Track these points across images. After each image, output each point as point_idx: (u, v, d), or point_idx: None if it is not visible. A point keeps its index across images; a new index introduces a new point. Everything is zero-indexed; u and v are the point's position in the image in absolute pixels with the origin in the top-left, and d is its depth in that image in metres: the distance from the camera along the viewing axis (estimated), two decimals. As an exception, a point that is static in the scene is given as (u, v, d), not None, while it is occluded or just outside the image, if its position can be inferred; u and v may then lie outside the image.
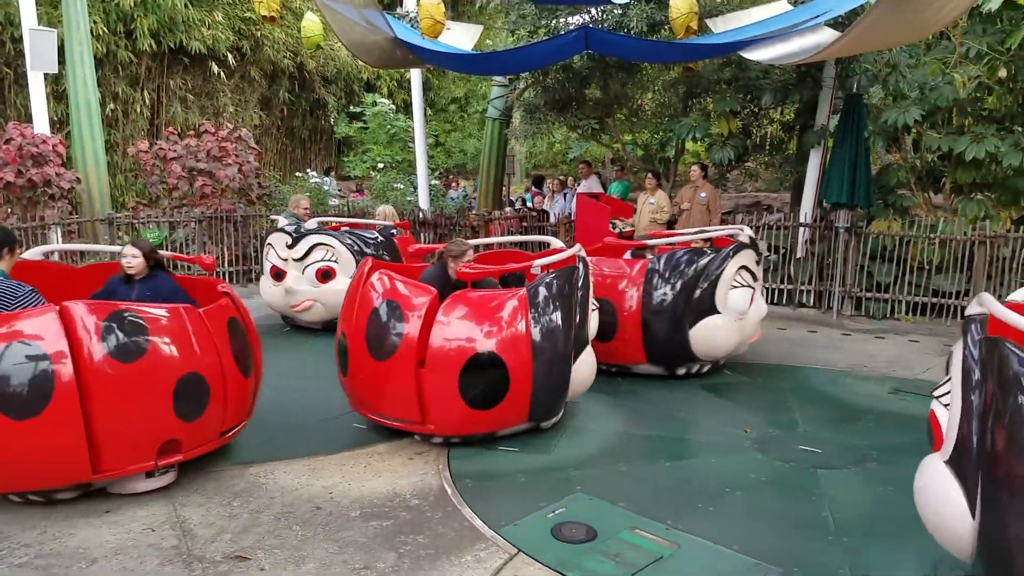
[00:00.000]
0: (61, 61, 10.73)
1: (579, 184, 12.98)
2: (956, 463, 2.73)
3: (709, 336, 5.97)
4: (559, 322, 4.68)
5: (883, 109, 9.27)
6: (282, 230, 8.03)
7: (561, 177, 15.14)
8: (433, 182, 14.39)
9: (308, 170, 16.06)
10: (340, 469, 4.40)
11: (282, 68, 16.62)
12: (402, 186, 14.28)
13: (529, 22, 10.66)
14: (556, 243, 5.58)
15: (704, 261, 5.95)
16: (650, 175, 10.22)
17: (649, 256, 6.33)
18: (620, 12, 9.71)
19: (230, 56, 15.18)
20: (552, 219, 12.10)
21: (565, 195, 12.98)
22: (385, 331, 4.50)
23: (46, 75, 10.53)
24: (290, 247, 7.88)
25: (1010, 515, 2.40)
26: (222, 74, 15.37)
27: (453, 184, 16.93)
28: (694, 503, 4.00)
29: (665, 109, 12.08)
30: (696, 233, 6.82)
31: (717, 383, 6.29)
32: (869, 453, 4.68)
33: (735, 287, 5.96)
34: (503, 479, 4.31)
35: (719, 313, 5.93)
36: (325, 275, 7.70)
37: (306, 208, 8.68)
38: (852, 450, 4.75)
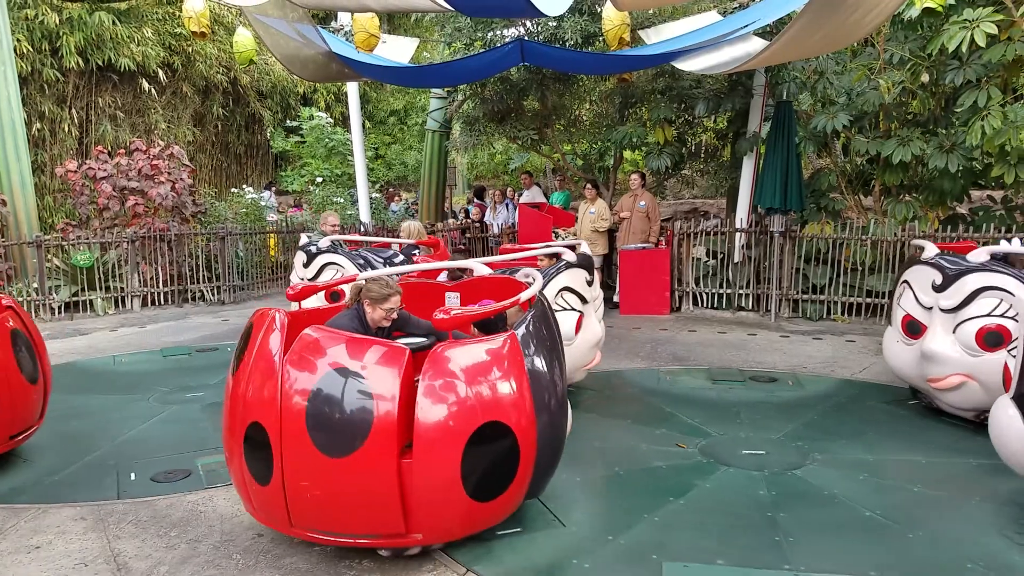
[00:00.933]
0: (-18, 80, 10.36)
1: (520, 195, 13.05)
2: (1019, 400, 3.62)
3: None
4: (551, 364, 3.71)
5: (812, 115, 9.55)
6: (302, 248, 7.49)
7: (502, 188, 15.20)
8: (374, 195, 14.29)
9: (244, 186, 15.78)
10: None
11: (215, 83, 16.31)
12: (342, 200, 14.13)
13: (465, 35, 10.70)
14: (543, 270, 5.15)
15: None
16: (589, 185, 10.35)
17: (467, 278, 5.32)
18: (555, 24, 9.82)
19: (161, 72, 14.83)
20: (495, 230, 12.12)
21: (507, 205, 13.03)
22: (342, 412, 3.18)
23: (-34, 95, 10.16)
24: (305, 266, 7.34)
25: None
26: (153, 91, 15.01)
27: (395, 197, 16.83)
28: (639, 515, 4.02)
29: (602, 119, 12.24)
30: (543, 248, 6.18)
31: (664, 389, 6.36)
32: (809, 453, 4.78)
33: (556, 311, 4.85)
34: None
35: None
36: (334, 296, 6.45)
37: (334, 225, 8.07)
38: (795, 451, 4.84)
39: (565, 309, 5.39)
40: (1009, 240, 6.14)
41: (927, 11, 7.13)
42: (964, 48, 7.22)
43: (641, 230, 9.83)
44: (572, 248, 5.94)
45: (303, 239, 7.67)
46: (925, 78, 8.36)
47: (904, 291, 5.51)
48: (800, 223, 9.78)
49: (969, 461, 4.62)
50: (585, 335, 5.58)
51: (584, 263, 5.74)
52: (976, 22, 7.14)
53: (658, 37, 9.19)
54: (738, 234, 9.79)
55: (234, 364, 3.55)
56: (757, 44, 7.77)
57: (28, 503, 4.22)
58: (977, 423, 5.13)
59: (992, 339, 4.84)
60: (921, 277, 5.31)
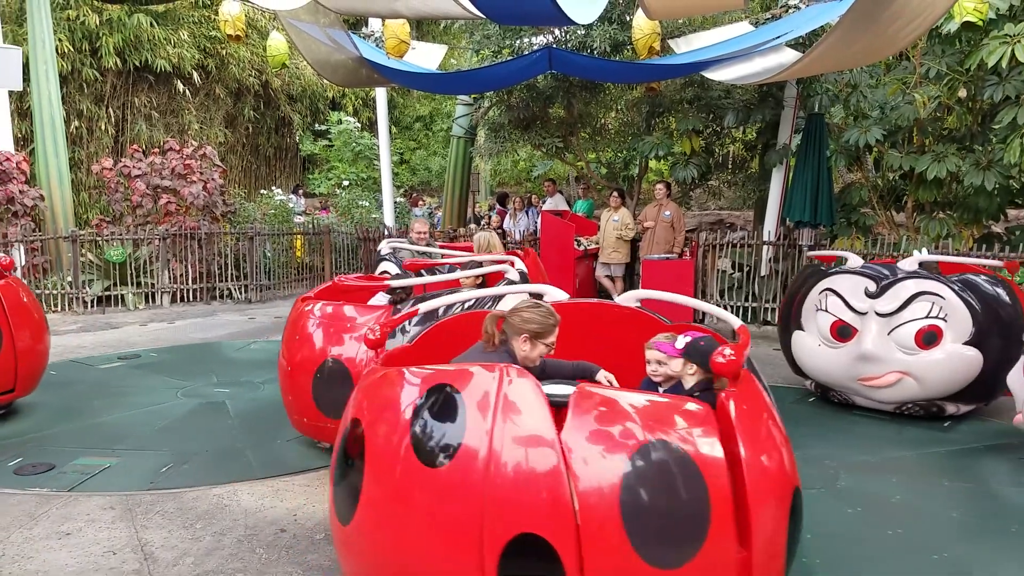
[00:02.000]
0: (26, 79, 10.62)
1: (544, 202, 13.07)
2: None
3: None
4: None
5: (844, 128, 9.48)
6: (384, 258, 6.90)
7: (524, 195, 15.23)
8: (398, 199, 14.40)
9: (273, 187, 15.96)
10: (304, 491, 4.34)
11: (247, 86, 16.54)
12: (367, 203, 14.25)
13: (493, 42, 10.76)
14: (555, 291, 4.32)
15: (467, 305, 4.35)
16: (615, 193, 10.35)
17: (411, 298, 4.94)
18: (583, 32, 9.85)
19: (195, 74, 15.08)
20: (517, 236, 12.15)
21: (528, 213, 13.05)
22: (673, 503, 2.20)
23: (10, 92, 10.42)
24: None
25: None
26: (187, 92, 15.26)
27: (419, 202, 16.94)
28: None
29: (628, 128, 12.24)
30: (468, 263, 5.71)
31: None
32: (837, 472, 4.74)
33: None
34: None
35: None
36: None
37: (419, 233, 7.35)
38: (820, 470, 4.80)
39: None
40: (919, 251, 6.49)
41: (966, 25, 7.06)
42: (1004, 64, 7.13)
43: (665, 240, 9.81)
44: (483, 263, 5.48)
45: (383, 248, 6.91)
46: (962, 93, 8.26)
47: (827, 298, 5.77)
48: (830, 238, 9.70)
49: (924, 451, 4.61)
50: None
51: (525, 281, 5.09)
52: (1017, 37, 7.06)
53: (688, 47, 9.18)
54: (765, 247, 9.72)
55: (432, 450, 2.34)
56: (790, 55, 7.74)
57: (59, 490, 4.30)
58: (895, 414, 5.69)
59: (929, 338, 5.30)
60: (849, 285, 5.64)
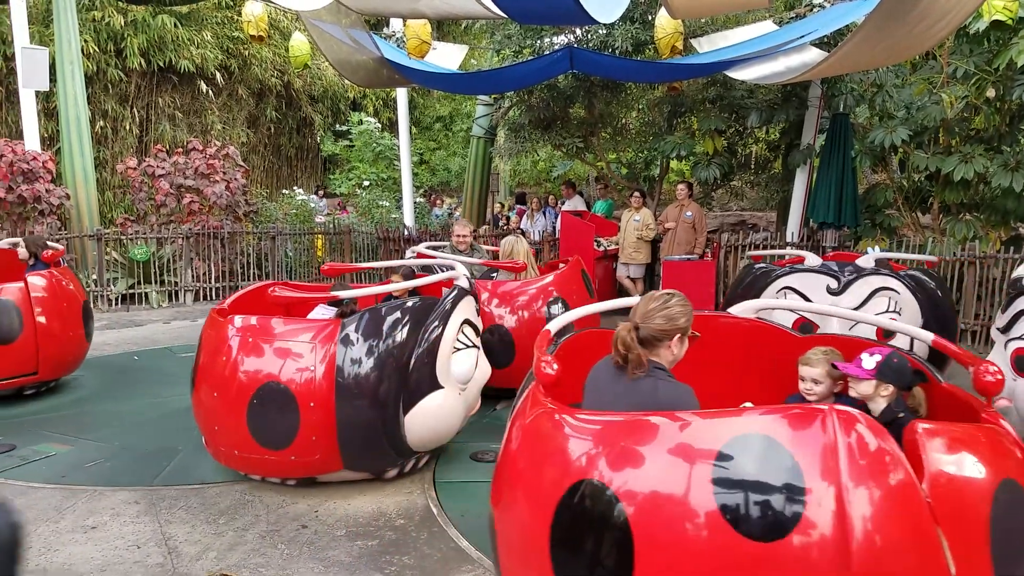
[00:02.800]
0: (52, 79, 10.74)
1: (561, 204, 13.04)
2: None
3: (431, 422, 4.21)
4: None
5: (869, 129, 9.37)
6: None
7: (541, 196, 15.21)
8: (418, 200, 14.43)
9: (295, 187, 16.05)
10: (325, 487, 4.35)
11: (269, 87, 16.66)
12: (387, 203, 14.29)
13: (514, 42, 10.75)
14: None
15: (417, 317, 4.19)
16: (636, 193, 10.29)
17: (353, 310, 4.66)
18: (605, 32, 9.82)
19: (218, 75, 15.20)
20: (535, 237, 12.13)
21: (545, 213, 13.03)
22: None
23: (37, 92, 10.55)
24: None
25: None
26: (210, 92, 15.39)
27: (438, 202, 16.97)
28: None
29: (650, 128, 12.18)
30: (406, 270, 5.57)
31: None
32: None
33: (458, 349, 4.36)
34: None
35: (441, 388, 4.21)
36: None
37: (460, 237, 6.77)
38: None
39: (466, 347, 4.42)
40: (872, 248, 6.73)
41: (995, 24, 6.95)
42: (1033, 63, 7.02)
43: (686, 241, 9.74)
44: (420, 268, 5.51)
45: (408, 255, 6.70)
46: (991, 93, 8.13)
47: (787, 296, 5.81)
48: (854, 239, 9.59)
49: None
50: (479, 375, 4.62)
51: (473, 290, 4.73)
52: (1046, 36, 6.95)
53: (711, 46, 9.12)
54: (788, 248, 9.64)
55: (759, 520, 1.90)
56: (814, 55, 7.66)
57: (85, 484, 4.35)
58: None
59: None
60: (809, 283, 5.69)
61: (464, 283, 4.60)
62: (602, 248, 10.40)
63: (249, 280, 11.58)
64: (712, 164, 10.22)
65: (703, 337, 3.12)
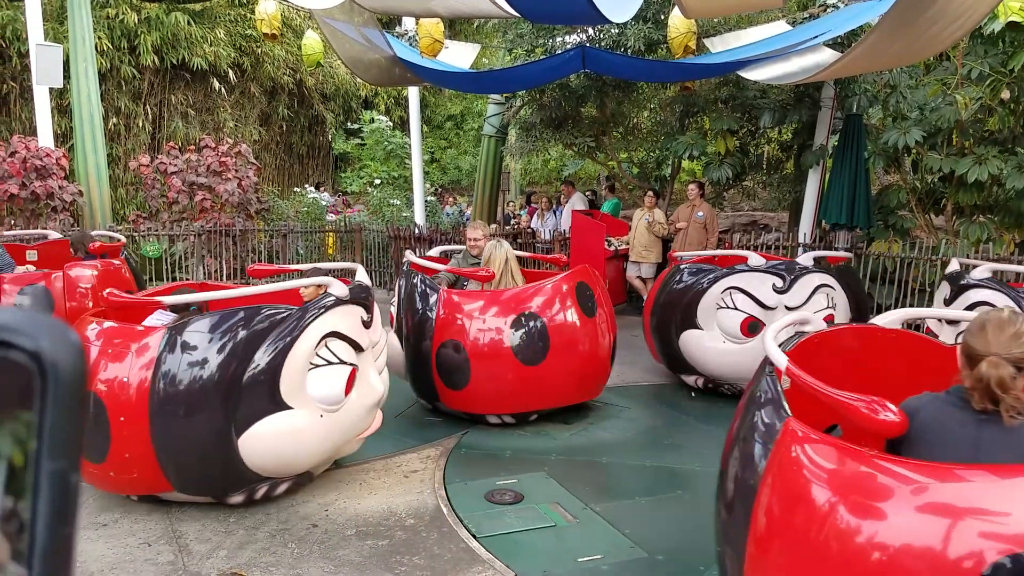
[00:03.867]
0: (66, 76, 10.80)
1: (557, 205, 13.03)
2: None
3: (277, 445, 3.80)
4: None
5: (883, 130, 9.31)
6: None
7: (549, 195, 15.18)
8: (429, 198, 14.43)
9: (307, 185, 16.10)
10: (336, 486, 4.37)
11: (282, 85, 16.70)
12: (398, 202, 14.31)
13: (527, 41, 10.73)
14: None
15: (257, 327, 3.76)
16: (650, 193, 10.27)
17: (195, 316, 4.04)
18: (617, 31, 9.79)
19: (231, 72, 15.25)
20: (546, 236, 12.11)
21: (556, 213, 13.03)
22: None
23: (51, 89, 10.60)
24: None
25: None
26: (223, 90, 15.44)
27: (449, 200, 16.98)
28: (631, 495, 4.34)
29: (661, 127, 12.14)
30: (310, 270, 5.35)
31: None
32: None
33: (317, 366, 3.89)
34: (491, 454, 4.91)
35: (289, 408, 3.80)
36: None
37: (472, 241, 6.14)
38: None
39: (330, 363, 3.93)
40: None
41: (1011, 25, 6.89)
42: (1049, 65, 6.95)
43: (698, 241, 9.70)
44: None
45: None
46: (1005, 95, 8.06)
47: (733, 296, 5.92)
48: (866, 240, 9.53)
49: None
50: (360, 396, 4.13)
51: (360, 297, 4.23)
52: (1062, 37, 6.88)
53: (724, 46, 9.09)
54: (800, 249, 9.59)
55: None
56: (828, 55, 7.62)
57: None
58: None
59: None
60: (755, 282, 5.89)
61: (339, 291, 4.06)
62: (612, 248, 10.38)
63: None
64: (724, 164, 10.17)
65: (863, 353, 3.00)
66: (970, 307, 5.03)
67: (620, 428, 5.56)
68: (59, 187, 10.02)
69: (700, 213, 9.71)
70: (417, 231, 11.91)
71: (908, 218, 9.54)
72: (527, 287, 5.38)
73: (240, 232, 11.36)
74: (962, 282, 5.29)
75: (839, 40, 7.96)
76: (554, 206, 13.44)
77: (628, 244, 10.35)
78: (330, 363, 3.92)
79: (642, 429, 5.61)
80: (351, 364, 4.01)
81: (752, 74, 8.40)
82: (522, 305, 5.18)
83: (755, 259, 6.29)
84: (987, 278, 5.22)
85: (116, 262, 6.99)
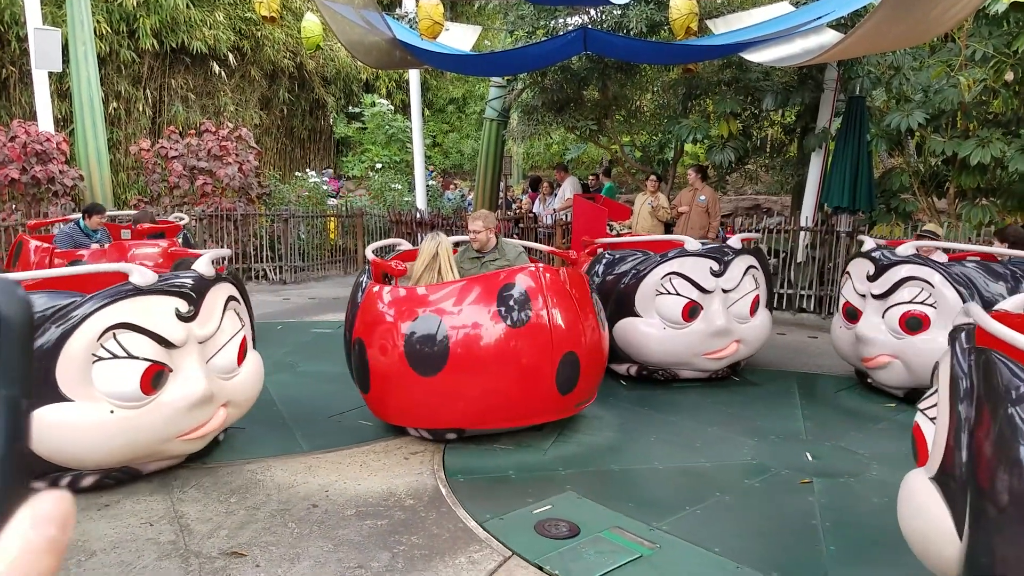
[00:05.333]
0: (65, 60, 10.76)
1: (553, 189, 12.98)
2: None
3: (53, 435, 3.53)
4: None
5: (886, 112, 9.26)
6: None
7: (551, 180, 15.14)
8: (430, 183, 14.40)
9: (308, 170, 16.07)
10: (336, 467, 4.38)
11: (282, 68, 16.62)
12: (400, 186, 14.28)
13: (528, 23, 10.67)
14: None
15: (43, 311, 3.50)
16: (652, 177, 10.23)
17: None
18: (619, 13, 9.71)
19: (231, 56, 15.18)
20: (548, 221, 12.09)
21: (556, 196, 13.00)
22: None
23: (50, 74, 10.57)
24: None
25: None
26: (223, 74, 15.38)
27: (451, 185, 16.93)
28: (679, 505, 3.94)
29: (664, 110, 12.08)
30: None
31: (718, 389, 6.27)
32: (869, 463, 4.64)
33: (102, 359, 3.61)
34: (495, 477, 4.31)
35: (70, 400, 3.56)
36: None
37: (473, 233, 5.44)
38: (851, 458, 4.72)
39: (117, 357, 3.61)
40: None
41: (1015, 6, 6.85)
42: (1053, 45, 6.90)
43: (700, 225, 9.68)
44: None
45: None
46: (1009, 76, 8.01)
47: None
48: (869, 224, 9.51)
49: None
50: (174, 394, 3.84)
51: (173, 287, 3.90)
52: (1066, 17, 6.82)
53: (727, 27, 9.01)
54: (802, 233, 9.57)
55: None
56: (831, 36, 7.56)
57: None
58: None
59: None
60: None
61: (139, 279, 3.76)
62: (615, 233, 10.34)
63: (262, 262, 11.61)
64: (727, 147, 10.13)
65: None
66: (898, 283, 5.50)
67: (590, 429, 5.08)
68: (60, 172, 10.02)
69: (702, 197, 9.68)
70: (418, 215, 11.89)
71: (910, 201, 9.51)
72: (435, 285, 4.64)
73: (241, 217, 11.35)
74: (885, 258, 5.66)
75: (842, 21, 7.90)
76: (553, 191, 13.39)
77: (630, 229, 10.32)
78: (117, 356, 3.62)
79: (613, 427, 5.17)
80: (149, 360, 3.70)
81: (755, 56, 8.34)
82: (422, 306, 4.45)
83: (691, 243, 6.09)
84: (912, 255, 5.62)
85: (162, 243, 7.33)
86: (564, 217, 11.84)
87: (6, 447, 0.32)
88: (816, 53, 7.25)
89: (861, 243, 6.41)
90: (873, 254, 5.83)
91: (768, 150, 12.23)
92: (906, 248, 5.73)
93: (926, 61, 9.25)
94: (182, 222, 8.44)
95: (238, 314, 4.38)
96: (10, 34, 12.58)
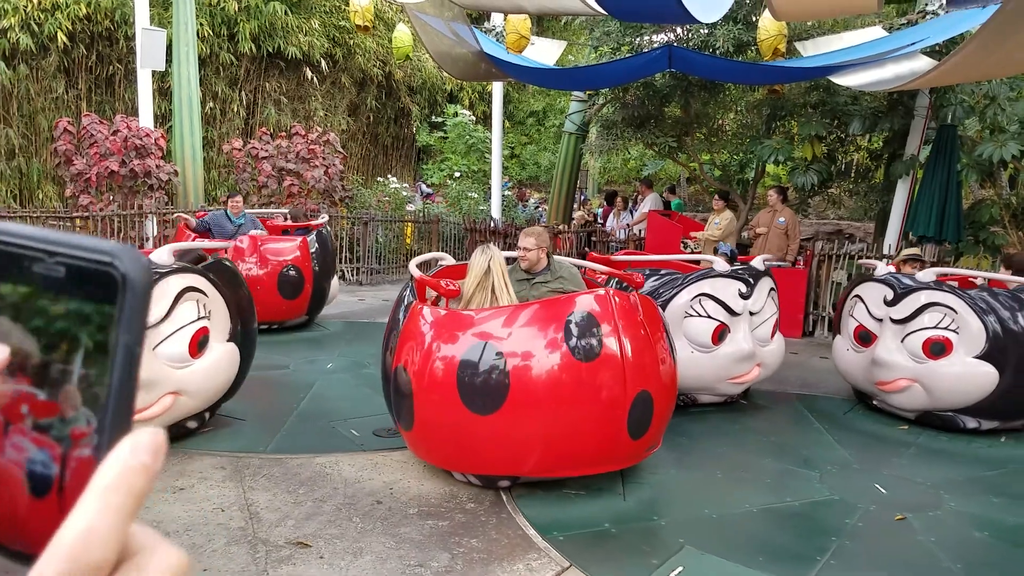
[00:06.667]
0: (168, 60, 11.30)
1: (631, 205, 12.94)
2: None
3: None
4: None
5: (978, 142, 8.93)
6: None
7: (628, 195, 15.10)
8: (506, 193, 14.55)
9: (390, 176, 16.46)
10: (401, 466, 4.50)
11: (371, 76, 17.08)
12: (476, 195, 14.49)
13: (613, 39, 10.70)
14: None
15: None
16: (716, 196, 10.18)
17: None
18: (706, 32, 9.67)
19: (323, 62, 15.69)
20: (620, 235, 12.07)
21: (632, 212, 12.98)
22: None
23: (153, 72, 11.11)
24: None
25: None
26: (315, 79, 15.90)
27: (527, 194, 17.07)
28: (810, 555, 3.68)
29: (747, 130, 11.92)
30: None
31: (737, 414, 6.17)
32: (937, 493, 4.50)
33: None
34: (596, 533, 3.85)
35: None
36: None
37: (523, 250, 4.84)
38: (917, 489, 4.58)
39: None
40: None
41: (1123, 36, 6.52)
42: None
43: (778, 247, 9.51)
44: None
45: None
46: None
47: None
48: (955, 255, 9.18)
49: None
50: None
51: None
52: None
53: (815, 50, 8.87)
54: (885, 261, 9.29)
55: None
56: (924, 63, 7.37)
57: (176, 448, 4.63)
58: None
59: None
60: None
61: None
62: (689, 250, 10.27)
63: (341, 263, 11.95)
64: (810, 170, 9.92)
65: None
66: (920, 309, 5.54)
67: (650, 467, 4.62)
68: (156, 166, 10.52)
69: (782, 219, 9.52)
70: (492, 224, 12.05)
71: (1000, 234, 9.14)
72: (494, 308, 4.16)
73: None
74: (909, 286, 5.68)
75: (936, 48, 7.68)
76: (629, 205, 13.37)
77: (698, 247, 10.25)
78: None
79: (669, 463, 4.78)
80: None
81: (844, 80, 8.18)
82: (478, 333, 3.96)
83: (720, 265, 5.95)
84: (933, 281, 5.68)
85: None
86: (638, 232, 11.81)
87: (120, 386, 0.39)
88: (908, 79, 7.09)
89: (873, 268, 6.34)
90: (888, 279, 5.89)
91: (853, 175, 11.92)
92: (926, 274, 5.80)
93: (1023, 91, 8.90)
94: (324, 220, 9.14)
95: (202, 305, 4.51)
96: (119, 33, 13.30)
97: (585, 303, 3.97)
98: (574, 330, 3.87)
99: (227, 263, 5.01)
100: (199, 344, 4.48)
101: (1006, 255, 7.31)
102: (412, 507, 3.98)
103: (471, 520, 3.85)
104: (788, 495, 4.42)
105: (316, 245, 8.27)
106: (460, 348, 3.92)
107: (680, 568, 3.42)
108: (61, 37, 12.37)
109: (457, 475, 4.29)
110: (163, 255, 4.43)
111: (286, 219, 9.63)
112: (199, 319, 4.49)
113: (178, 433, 4.68)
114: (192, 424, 4.79)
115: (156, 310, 4.25)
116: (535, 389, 3.82)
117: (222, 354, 4.67)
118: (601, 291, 4.05)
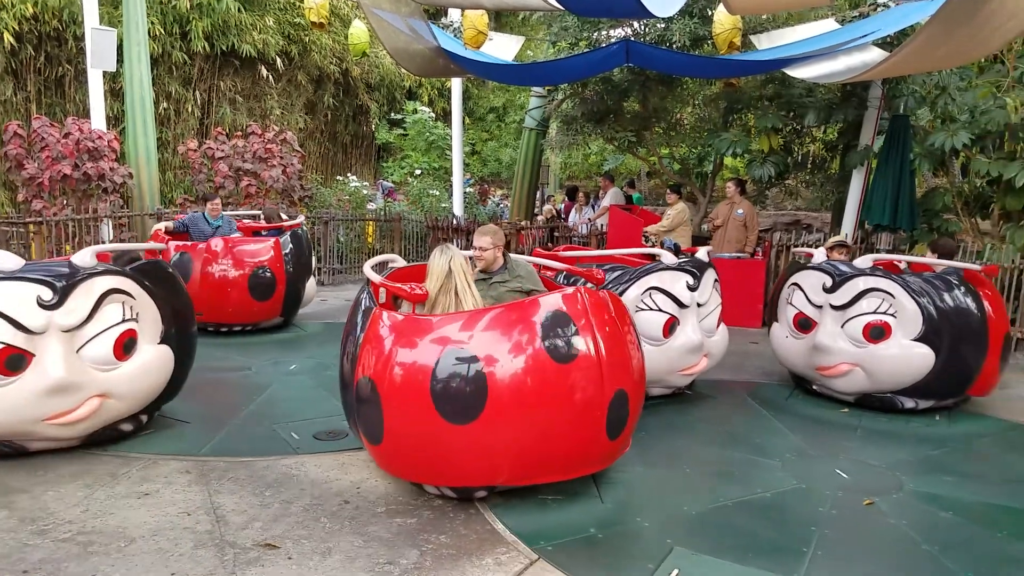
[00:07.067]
0: (119, 60, 11.05)
1: (592, 199, 13.02)
2: None
3: None
4: None
5: (930, 131, 9.15)
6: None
7: (587, 191, 15.19)
8: (468, 190, 14.53)
9: (349, 174, 16.31)
10: (368, 465, 4.47)
11: (328, 74, 16.90)
12: (437, 192, 14.43)
13: (571, 34, 10.74)
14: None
15: None
16: (669, 190, 10.30)
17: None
18: (663, 26, 9.74)
19: (279, 60, 15.47)
20: (582, 230, 12.13)
21: (594, 207, 13.06)
22: None
23: (104, 73, 10.86)
24: None
25: None
26: (270, 77, 15.68)
27: (490, 191, 17.06)
28: (795, 547, 3.68)
29: (704, 124, 12.06)
30: None
31: (686, 405, 6.24)
32: (895, 475, 4.62)
33: None
34: (583, 539, 3.74)
35: None
36: None
37: (478, 249, 4.71)
38: (875, 472, 4.69)
39: None
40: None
41: (1065, 26, 6.72)
42: (1104, 67, 6.78)
43: (737, 239, 9.65)
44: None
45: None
46: (1058, 98, 7.89)
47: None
48: (909, 243, 9.39)
49: None
50: (29, 379, 4.12)
51: (43, 276, 4.16)
52: (1119, 40, 6.70)
53: (770, 43, 8.98)
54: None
55: None
56: (876, 54, 7.51)
57: (140, 453, 4.54)
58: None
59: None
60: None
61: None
62: (650, 244, 10.35)
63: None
64: (767, 162, 10.08)
65: None
66: (859, 295, 5.70)
67: (616, 465, 4.45)
68: (110, 169, 10.28)
69: (740, 211, 9.65)
70: (455, 222, 12.02)
71: (953, 222, 9.38)
72: (465, 313, 3.97)
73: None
74: (847, 272, 5.83)
75: (888, 39, 7.84)
76: (591, 200, 13.44)
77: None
78: None
79: (633, 460, 4.65)
80: (3, 343, 4.00)
81: (799, 72, 8.31)
82: (449, 338, 3.76)
83: (818, 255, 6.23)
84: (870, 267, 5.85)
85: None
86: (599, 227, 11.87)
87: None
88: (861, 71, 7.21)
89: (810, 257, 6.47)
90: (826, 267, 6.04)
91: (809, 166, 12.14)
92: (863, 261, 5.97)
93: (973, 81, 9.12)
94: (299, 220, 9.06)
95: (128, 308, 4.44)
96: (67, 32, 12.96)
97: (558, 303, 3.83)
98: (550, 331, 3.74)
99: (162, 265, 4.91)
100: (125, 346, 4.41)
101: (932, 240, 7.55)
102: (380, 506, 3.95)
103: (439, 517, 3.84)
104: (758, 486, 4.42)
105: (290, 246, 8.16)
106: (432, 355, 3.70)
107: (676, 571, 3.40)
108: (7, 38, 12.01)
109: (430, 488, 4.09)
110: (86, 257, 4.36)
111: (258, 220, 9.51)
112: (124, 321, 4.41)
113: (112, 436, 4.62)
114: (127, 427, 4.72)
115: (78, 312, 4.18)
116: (515, 394, 3.67)
117: (153, 356, 4.60)
118: (570, 290, 3.92)
